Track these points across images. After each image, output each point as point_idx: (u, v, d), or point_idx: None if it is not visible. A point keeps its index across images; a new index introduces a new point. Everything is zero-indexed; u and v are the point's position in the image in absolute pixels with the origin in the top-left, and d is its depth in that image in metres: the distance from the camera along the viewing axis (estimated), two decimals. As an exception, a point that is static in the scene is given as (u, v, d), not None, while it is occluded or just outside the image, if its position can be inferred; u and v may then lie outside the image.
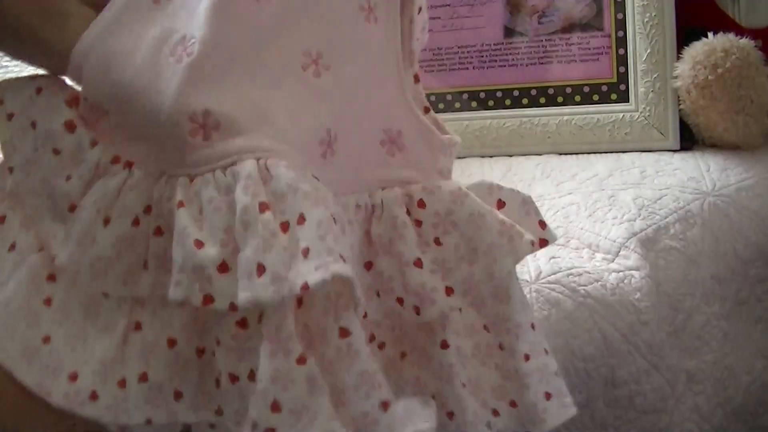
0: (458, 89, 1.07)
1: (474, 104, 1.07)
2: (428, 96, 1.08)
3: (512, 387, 0.48)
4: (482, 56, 1.07)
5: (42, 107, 0.45)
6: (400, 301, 0.47)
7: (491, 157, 1.04)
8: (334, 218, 0.40)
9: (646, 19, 1.01)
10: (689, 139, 1.01)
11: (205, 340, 0.43)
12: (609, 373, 0.74)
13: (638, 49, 1.01)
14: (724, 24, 1.03)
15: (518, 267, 0.75)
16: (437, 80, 1.08)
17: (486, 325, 0.48)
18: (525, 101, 1.05)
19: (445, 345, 0.46)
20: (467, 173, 1.00)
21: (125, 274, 0.43)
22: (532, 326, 0.49)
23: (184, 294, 0.39)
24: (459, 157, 1.05)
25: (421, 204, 0.46)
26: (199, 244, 0.39)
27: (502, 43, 1.07)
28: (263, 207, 0.39)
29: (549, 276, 0.75)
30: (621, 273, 0.77)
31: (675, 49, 1.00)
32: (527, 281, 0.74)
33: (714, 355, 0.83)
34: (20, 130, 0.46)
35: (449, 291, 0.46)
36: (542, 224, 0.49)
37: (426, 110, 0.50)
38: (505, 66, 1.07)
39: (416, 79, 0.50)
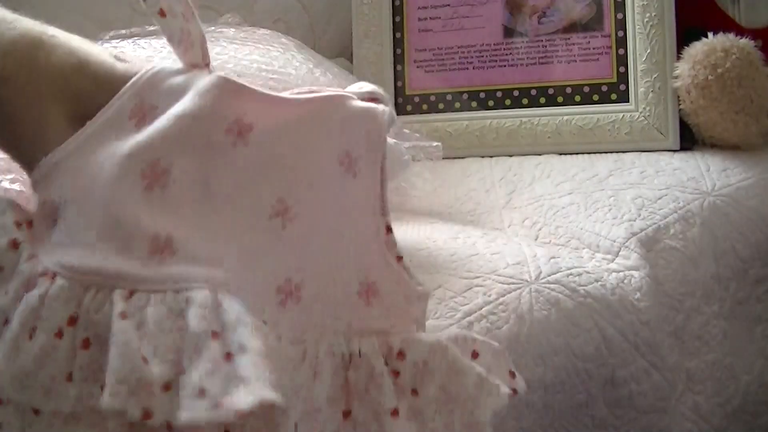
0: (458, 89, 1.07)
1: (474, 104, 1.07)
2: (428, 96, 1.09)
3: None
4: (482, 56, 1.07)
5: None
6: None
7: (491, 157, 1.04)
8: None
9: (646, 19, 1.01)
10: (689, 139, 1.01)
11: None
12: (609, 373, 0.74)
13: (638, 49, 1.01)
14: (724, 24, 1.03)
15: (518, 267, 0.75)
16: (437, 80, 1.08)
17: None
18: (525, 101, 1.05)
19: None
20: (467, 173, 1.00)
21: (48, 386, 0.43)
22: None
23: (121, 405, 0.40)
24: (459, 157, 1.05)
25: (401, 355, 0.48)
26: (145, 360, 0.41)
27: (502, 43, 1.07)
28: (213, 335, 0.41)
29: (549, 276, 0.75)
30: (621, 273, 0.77)
31: (675, 49, 1.00)
32: (527, 281, 0.74)
33: (714, 355, 0.83)
34: None
35: None
36: (512, 374, 0.52)
37: (399, 259, 0.52)
38: (505, 66, 1.07)
39: (388, 230, 0.51)
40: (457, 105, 1.07)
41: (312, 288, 0.47)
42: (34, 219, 0.47)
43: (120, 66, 0.49)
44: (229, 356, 0.41)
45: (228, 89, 0.47)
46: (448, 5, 1.09)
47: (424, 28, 1.09)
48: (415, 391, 0.47)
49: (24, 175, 0.49)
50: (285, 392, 0.43)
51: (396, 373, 0.47)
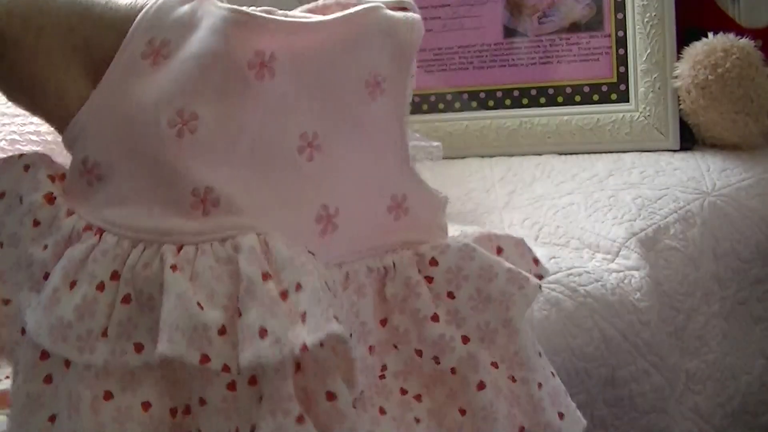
0: (458, 89, 1.07)
1: (474, 104, 1.07)
2: (428, 96, 1.09)
3: (522, 412, 0.50)
4: (482, 56, 1.07)
5: (27, 183, 0.47)
6: (418, 352, 0.49)
7: (491, 157, 1.04)
8: (327, 285, 0.44)
9: (646, 19, 1.01)
10: (689, 139, 1.00)
11: (178, 400, 0.45)
12: (609, 373, 0.74)
13: (638, 49, 1.01)
14: (724, 24, 1.03)
15: (518, 267, 0.75)
16: (437, 80, 1.08)
17: (494, 361, 0.50)
18: (525, 101, 1.05)
19: (482, 386, 0.49)
20: (467, 173, 1.00)
21: (83, 339, 0.44)
22: (540, 354, 0.52)
23: (178, 352, 0.41)
24: (459, 157, 1.05)
25: (433, 262, 0.49)
26: (200, 306, 0.42)
27: (502, 43, 1.07)
28: (265, 276, 0.42)
29: (549, 276, 0.75)
30: (621, 273, 0.77)
31: (675, 49, 1.00)
32: (527, 281, 0.74)
33: (714, 355, 0.83)
34: (9, 207, 0.48)
35: (465, 339, 0.49)
36: (536, 261, 0.53)
37: None
38: (505, 66, 1.07)
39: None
40: (457, 105, 1.07)
41: (347, 212, 0.48)
42: (71, 176, 0.47)
43: (123, 3, 0.47)
44: (284, 294, 0.42)
45: (242, 23, 0.45)
46: (448, 5, 1.09)
47: (424, 28, 1.09)
48: (451, 294, 0.49)
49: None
50: (342, 319, 0.44)
51: (430, 280, 0.49)
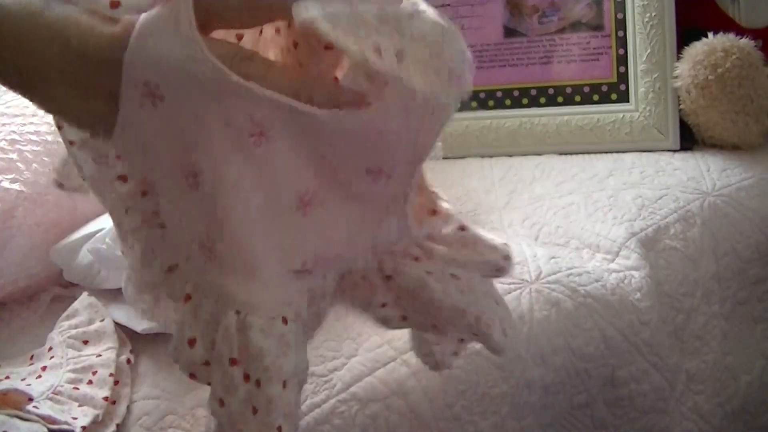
0: (458, 89, 1.07)
1: (474, 104, 1.07)
2: (428, 96, 1.09)
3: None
4: (482, 56, 1.07)
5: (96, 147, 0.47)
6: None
7: (491, 157, 1.04)
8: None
9: (646, 19, 1.01)
10: (689, 139, 1.01)
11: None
12: (609, 373, 0.74)
13: (638, 49, 1.01)
14: (724, 24, 1.03)
15: (518, 267, 0.75)
16: (437, 80, 1.08)
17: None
18: (525, 101, 1.05)
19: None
20: (467, 173, 1.00)
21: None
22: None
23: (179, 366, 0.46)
24: (459, 157, 1.05)
25: (390, 278, 0.52)
26: (192, 342, 0.45)
27: (502, 43, 1.07)
28: (233, 362, 0.44)
29: (549, 276, 0.75)
30: (621, 273, 0.77)
31: (675, 49, 1.00)
32: (527, 281, 0.74)
33: (714, 355, 0.83)
34: (81, 156, 0.48)
35: (403, 318, 0.55)
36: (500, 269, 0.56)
37: (433, 212, 0.53)
38: (505, 66, 1.07)
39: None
40: (457, 105, 1.07)
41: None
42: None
43: (106, 31, 0.42)
44: (246, 378, 0.44)
45: (239, 94, 0.42)
46: (448, 5, 1.09)
47: (424, 28, 1.09)
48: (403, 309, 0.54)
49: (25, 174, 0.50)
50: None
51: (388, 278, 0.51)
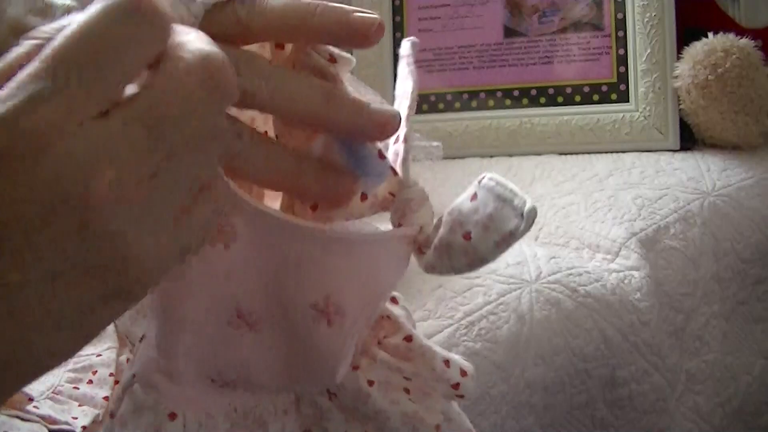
0: (458, 89, 1.07)
1: (474, 104, 1.07)
2: (428, 96, 1.09)
3: None
4: (482, 56, 1.07)
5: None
6: None
7: (491, 157, 1.04)
8: None
9: (646, 19, 1.01)
10: (689, 139, 1.01)
11: None
12: (609, 373, 0.74)
13: (638, 49, 1.01)
14: (724, 24, 1.03)
15: (518, 267, 0.75)
16: (437, 80, 1.08)
17: None
18: (525, 101, 1.05)
19: None
20: (467, 173, 1.00)
21: None
22: None
23: None
24: (459, 157, 1.05)
25: (334, 395, 0.46)
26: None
27: (502, 43, 1.07)
28: None
29: (549, 276, 0.75)
30: (621, 273, 0.77)
31: (675, 49, 1.00)
32: (527, 281, 0.74)
33: (714, 355, 0.83)
34: None
35: None
36: (455, 386, 0.47)
37: None
38: (505, 66, 1.07)
39: None
40: (457, 105, 1.07)
41: None
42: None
43: None
44: None
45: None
46: (448, 5, 1.09)
47: (424, 28, 1.09)
48: (360, 419, 0.47)
49: None
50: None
51: (340, 405, 0.46)
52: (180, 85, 0.27)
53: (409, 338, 0.46)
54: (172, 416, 0.42)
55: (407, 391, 0.46)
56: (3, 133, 0.25)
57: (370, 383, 0.45)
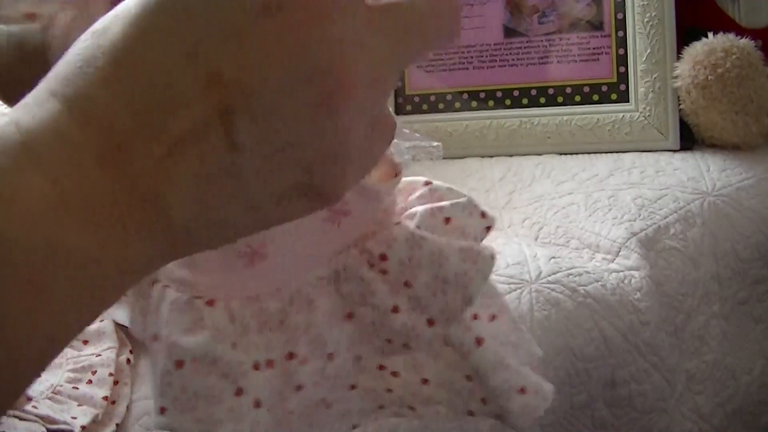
0: (458, 89, 1.07)
1: (474, 104, 1.07)
2: (428, 96, 1.09)
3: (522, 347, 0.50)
4: (482, 56, 1.07)
5: None
6: (389, 341, 0.48)
7: (491, 157, 1.04)
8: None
9: (646, 19, 1.01)
10: (689, 139, 1.01)
11: None
12: (609, 373, 0.74)
13: (638, 49, 1.01)
14: (724, 24, 1.03)
15: (518, 267, 0.75)
16: (437, 80, 1.08)
17: (490, 315, 0.50)
18: (525, 101, 1.05)
19: (479, 341, 0.48)
20: (467, 173, 1.00)
21: None
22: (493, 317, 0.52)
23: None
24: (459, 157, 1.05)
25: (384, 257, 0.46)
26: None
27: (502, 43, 1.07)
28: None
29: (549, 276, 0.75)
30: (621, 273, 0.77)
31: (675, 49, 1.00)
32: (527, 281, 0.74)
33: (714, 355, 0.83)
34: None
35: (431, 322, 0.47)
36: (483, 215, 0.51)
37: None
38: (505, 66, 1.07)
39: None
40: (457, 105, 1.07)
41: (275, 242, 0.44)
42: None
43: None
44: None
45: None
46: (448, 5, 1.09)
47: (424, 28, 1.09)
48: (408, 284, 0.47)
49: None
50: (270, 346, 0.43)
51: (384, 272, 0.46)
52: (438, 4, 0.29)
53: (428, 182, 0.49)
54: (211, 303, 0.42)
55: (447, 222, 0.48)
56: None
57: (419, 227, 0.46)
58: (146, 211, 0.25)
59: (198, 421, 0.41)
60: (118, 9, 0.27)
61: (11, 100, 0.40)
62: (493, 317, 0.50)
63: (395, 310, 0.46)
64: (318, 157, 0.27)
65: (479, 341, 0.48)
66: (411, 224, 0.47)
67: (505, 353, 0.49)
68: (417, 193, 0.49)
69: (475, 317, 0.50)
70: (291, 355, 0.44)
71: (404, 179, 0.49)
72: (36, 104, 0.26)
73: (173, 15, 0.25)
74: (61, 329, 0.25)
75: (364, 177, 0.32)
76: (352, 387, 0.49)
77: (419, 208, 0.48)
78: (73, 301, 0.25)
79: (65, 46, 0.34)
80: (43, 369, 0.25)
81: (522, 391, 0.49)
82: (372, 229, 0.47)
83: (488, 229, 0.51)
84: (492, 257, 0.48)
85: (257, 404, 0.42)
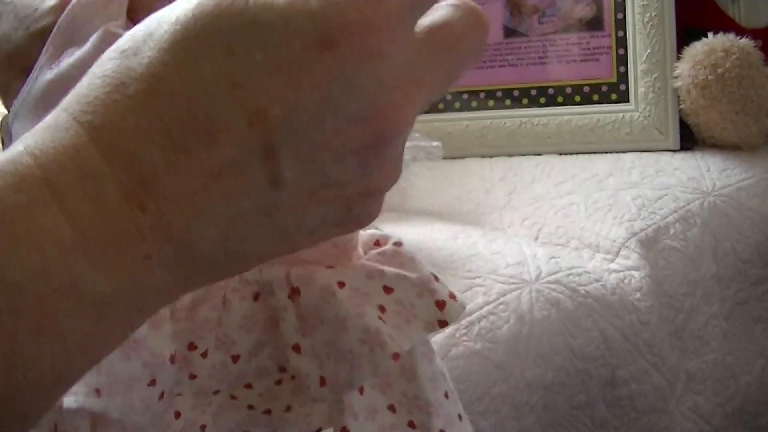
0: (458, 89, 1.07)
1: (474, 104, 1.07)
2: (428, 96, 1.09)
3: None
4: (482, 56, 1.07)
5: None
6: (278, 382, 0.46)
7: (491, 157, 1.04)
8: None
9: (646, 19, 1.01)
10: (689, 139, 1.01)
11: None
12: (609, 373, 0.74)
13: (638, 49, 1.01)
14: (724, 24, 1.03)
15: (518, 267, 0.75)
16: (437, 80, 1.08)
17: (392, 405, 0.45)
18: (525, 101, 1.05)
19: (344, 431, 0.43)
20: (467, 173, 1.00)
21: None
22: (446, 396, 0.45)
23: None
24: (459, 157, 1.05)
25: (297, 292, 0.43)
26: None
27: (502, 43, 1.07)
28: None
29: (549, 276, 0.75)
30: (621, 273, 0.77)
31: (675, 49, 1.00)
32: (527, 281, 0.74)
33: (714, 355, 0.83)
34: None
35: (323, 381, 0.43)
36: (440, 304, 0.43)
37: None
38: (505, 66, 1.07)
39: None
40: (457, 105, 1.07)
41: None
42: None
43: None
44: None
45: None
46: (448, 5, 1.09)
47: (424, 28, 1.09)
48: (310, 331, 0.43)
49: None
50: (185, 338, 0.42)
51: (297, 307, 0.43)
52: (473, 23, 0.27)
53: (399, 243, 0.44)
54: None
55: (382, 309, 0.42)
56: (336, 18, 0.24)
57: (341, 284, 0.42)
58: (171, 248, 0.24)
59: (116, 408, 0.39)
60: (151, 27, 0.25)
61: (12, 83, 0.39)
62: (446, 395, 0.45)
63: (296, 348, 0.43)
64: (362, 192, 0.26)
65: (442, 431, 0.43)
66: (338, 276, 0.42)
67: (462, 429, 0.45)
68: (379, 249, 0.44)
69: (446, 396, 0.45)
70: (192, 346, 0.42)
71: (376, 232, 0.45)
72: (56, 130, 0.24)
73: (218, 44, 0.24)
74: (68, 368, 0.24)
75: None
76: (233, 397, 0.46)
77: (363, 263, 0.43)
78: (82, 340, 0.24)
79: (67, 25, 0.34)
80: (50, 406, 0.25)
81: None
82: (313, 258, 0.43)
83: (442, 324, 0.43)
84: (393, 357, 0.42)
85: (161, 396, 0.41)
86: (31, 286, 0.23)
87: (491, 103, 1.06)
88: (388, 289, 0.43)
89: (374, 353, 0.42)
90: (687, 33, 1.01)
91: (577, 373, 0.72)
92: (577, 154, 1.01)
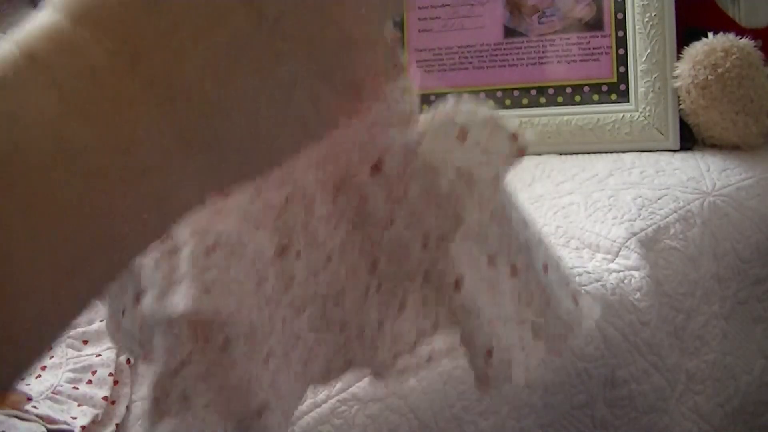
0: (458, 89, 1.07)
1: (474, 104, 1.07)
2: (428, 96, 1.09)
3: (532, 308, 0.46)
4: (482, 56, 1.07)
5: None
6: (374, 263, 0.45)
7: (491, 157, 1.04)
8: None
9: (646, 19, 1.01)
10: (689, 139, 1.01)
11: None
12: (609, 373, 0.74)
13: (638, 49, 1.01)
14: (724, 24, 1.03)
15: (518, 267, 0.75)
16: (437, 80, 1.08)
17: (489, 256, 0.45)
18: (525, 101, 1.05)
19: (457, 285, 0.43)
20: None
21: None
22: (541, 241, 0.46)
23: None
24: (459, 157, 1.05)
25: (379, 165, 0.43)
26: None
27: (502, 43, 1.07)
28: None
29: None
30: (621, 273, 0.77)
31: (675, 49, 1.00)
32: (527, 281, 0.74)
33: (714, 355, 0.83)
34: None
35: (425, 242, 0.43)
36: (514, 137, 0.45)
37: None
38: (505, 66, 1.07)
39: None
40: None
41: None
42: None
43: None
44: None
45: None
46: (448, 5, 1.09)
47: (424, 28, 1.09)
48: (402, 196, 0.43)
49: None
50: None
51: (380, 181, 0.43)
52: None
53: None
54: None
55: (462, 137, 0.43)
56: None
57: (419, 138, 0.43)
58: (163, 103, 0.25)
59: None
60: None
61: None
62: (514, 270, 0.45)
63: (388, 223, 0.43)
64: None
65: (458, 283, 0.43)
66: (412, 133, 0.43)
67: (485, 305, 0.45)
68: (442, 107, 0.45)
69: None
70: (285, 249, 0.41)
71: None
72: (38, 19, 0.25)
73: None
74: (62, 239, 0.25)
75: (375, 64, 0.32)
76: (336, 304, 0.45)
77: (428, 116, 0.44)
78: (80, 205, 0.25)
79: None
80: (58, 288, 0.26)
81: (489, 353, 0.46)
82: (373, 133, 0.43)
83: (520, 153, 0.44)
84: (493, 182, 0.43)
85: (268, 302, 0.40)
86: (26, 155, 0.23)
87: (491, 103, 1.07)
88: (462, 133, 0.44)
89: (470, 186, 0.43)
90: (687, 33, 1.01)
91: (577, 373, 0.72)
92: (577, 154, 1.01)
